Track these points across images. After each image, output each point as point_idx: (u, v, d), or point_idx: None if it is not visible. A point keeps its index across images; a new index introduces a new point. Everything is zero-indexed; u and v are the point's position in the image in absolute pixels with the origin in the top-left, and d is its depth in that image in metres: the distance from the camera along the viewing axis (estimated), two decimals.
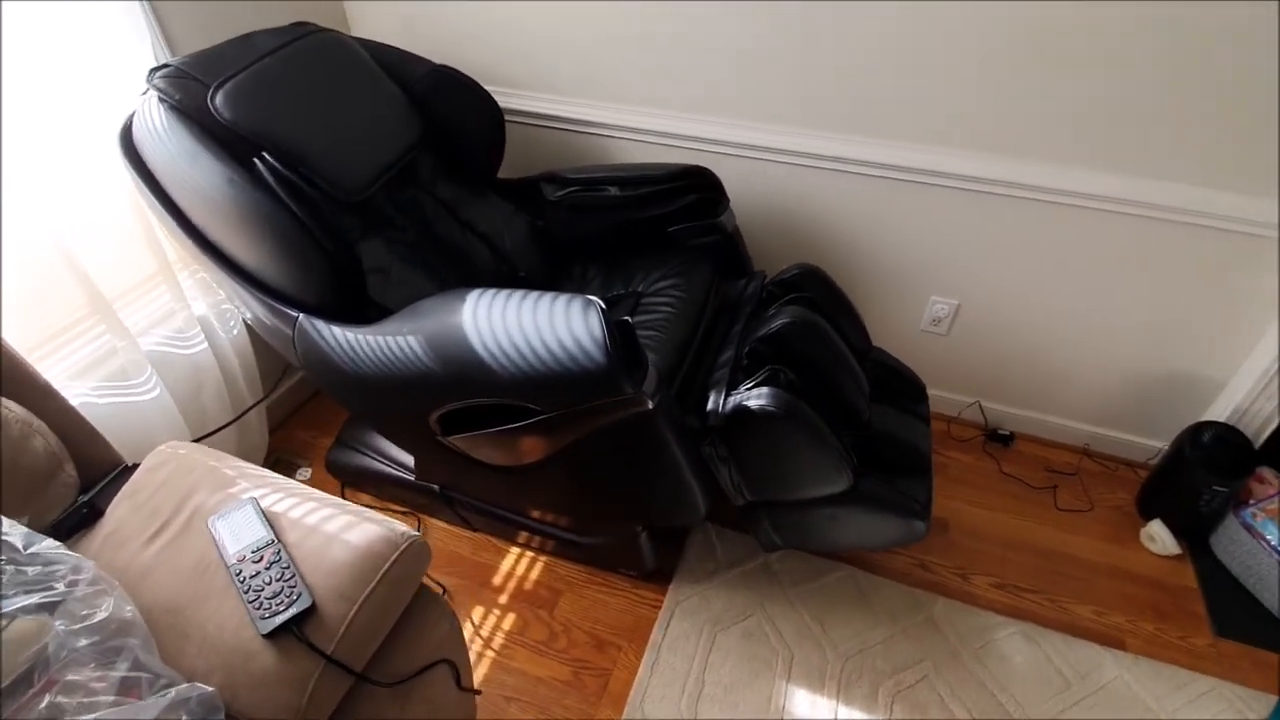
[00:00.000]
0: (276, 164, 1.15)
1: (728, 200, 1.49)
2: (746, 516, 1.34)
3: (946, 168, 1.45)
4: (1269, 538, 1.42)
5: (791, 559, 1.53)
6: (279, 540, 0.90)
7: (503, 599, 1.48)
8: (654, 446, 1.12)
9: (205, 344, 1.48)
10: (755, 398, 1.12)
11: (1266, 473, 1.53)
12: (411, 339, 1.11)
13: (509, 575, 1.52)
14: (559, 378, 1.01)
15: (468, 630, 1.42)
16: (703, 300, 1.42)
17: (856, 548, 1.50)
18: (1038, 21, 1.24)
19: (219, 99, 1.14)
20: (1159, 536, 1.56)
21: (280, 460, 1.76)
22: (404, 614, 0.95)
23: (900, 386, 1.45)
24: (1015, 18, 1.25)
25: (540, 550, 1.56)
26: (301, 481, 1.71)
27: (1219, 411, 1.58)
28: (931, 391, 1.84)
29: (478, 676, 1.35)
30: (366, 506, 1.66)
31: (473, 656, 1.38)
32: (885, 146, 1.47)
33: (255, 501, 0.94)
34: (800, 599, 1.47)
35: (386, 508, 1.66)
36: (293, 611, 0.82)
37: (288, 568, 0.86)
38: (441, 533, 1.61)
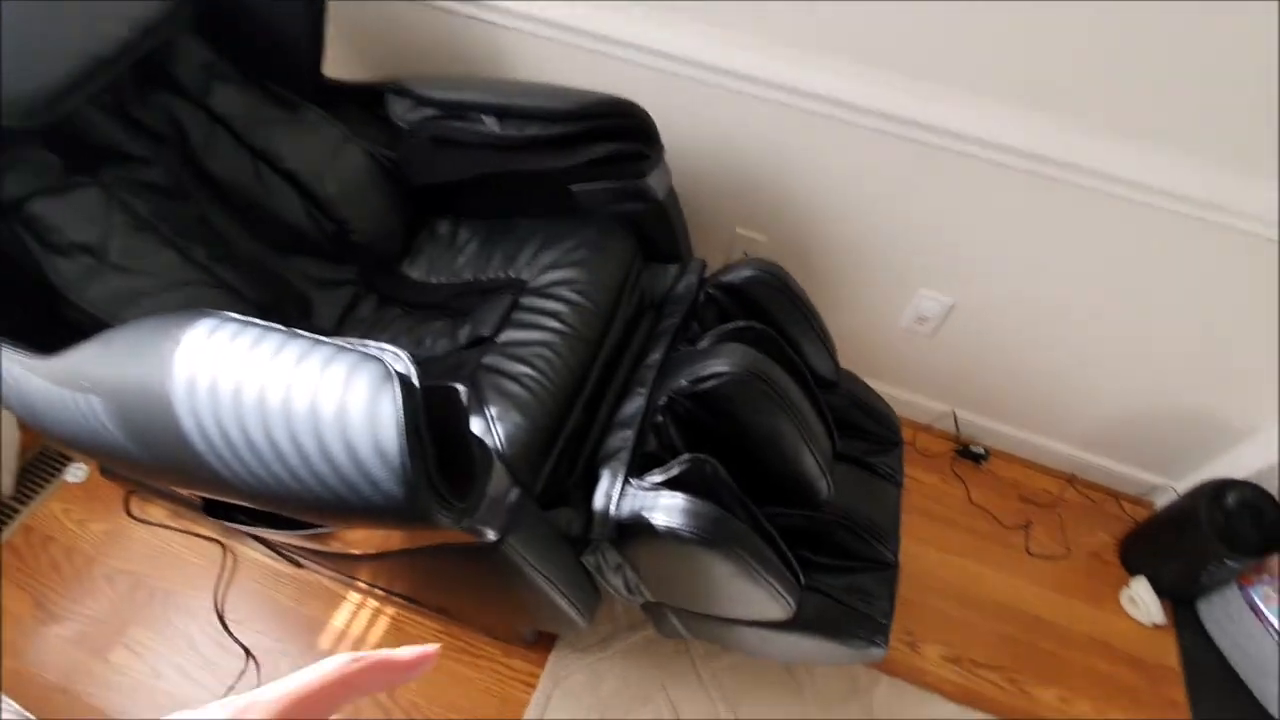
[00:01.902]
0: None
1: (662, 151, 1.01)
2: (649, 608, 0.99)
3: (964, 127, 1.00)
4: (1277, 624, 1.18)
5: None
6: None
7: None
8: (503, 573, 0.73)
9: None
10: (665, 511, 0.73)
11: None
12: (94, 401, 0.65)
13: (341, 635, 1.17)
14: (329, 503, 0.60)
15: None
16: (612, 304, 0.98)
17: (794, 663, 1.19)
18: None
19: None
20: (1142, 601, 1.31)
21: (46, 455, 1.31)
22: None
23: (870, 431, 1.08)
24: None
25: (386, 601, 1.20)
26: (73, 483, 1.28)
27: (1245, 462, 1.29)
28: (902, 395, 1.51)
29: None
30: (159, 525, 1.28)
31: None
32: (894, 89, 1.00)
33: None
34: (714, 678, 1.17)
35: (185, 529, 1.25)
36: None
37: None
38: (257, 568, 1.22)
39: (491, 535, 0.66)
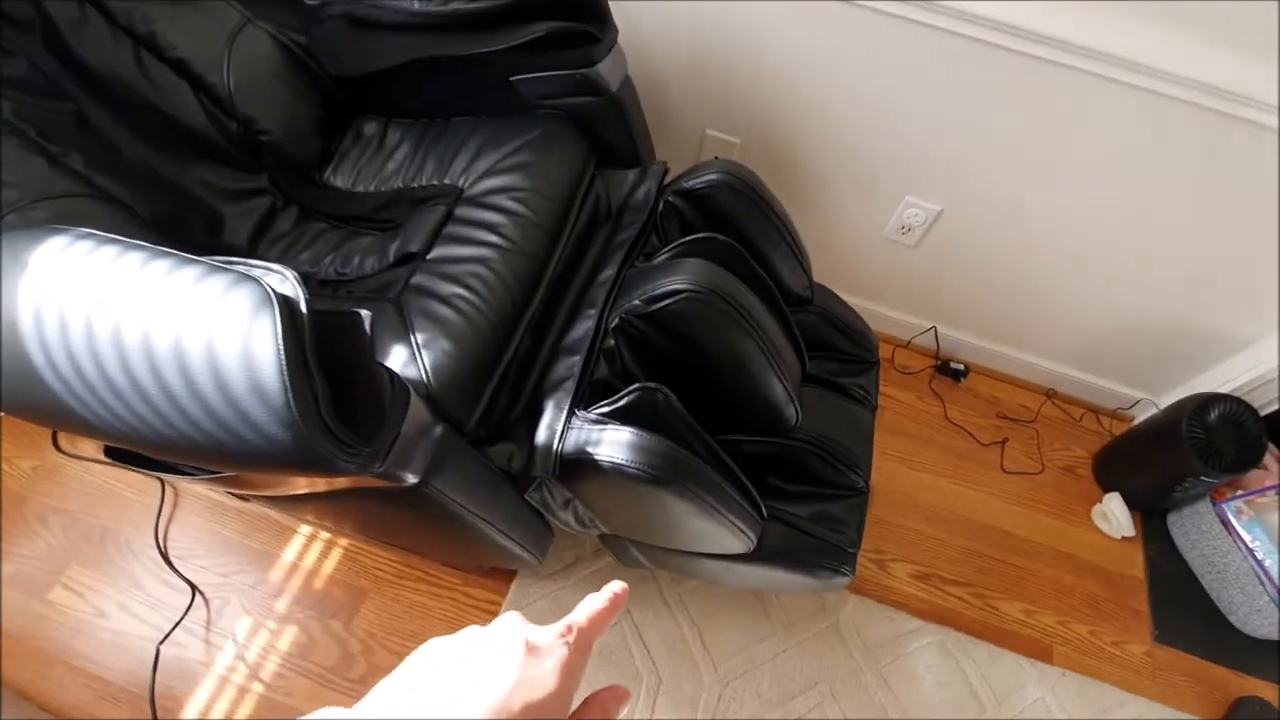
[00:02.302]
0: None
1: (614, 33, 0.87)
2: (607, 539, 0.95)
3: (965, 4, 0.87)
4: (1247, 538, 1.17)
5: None
6: None
7: (282, 604, 1.09)
8: (437, 515, 0.67)
9: None
10: (609, 445, 0.66)
11: (1268, 456, 1.25)
12: None
13: (293, 569, 1.12)
14: (208, 449, 0.51)
15: (228, 653, 1.05)
16: (561, 214, 0.87)
17: (760, 590, 1.15)
18: None
19: None
20: (1113, 515, 1.30)
21: None
22: None
23: (844, 350, 1.01)
24: None
25: (338, 530, 1.15)
26: None
27: (1230, 375, 1.24)
28: (882, 311, 1.44)
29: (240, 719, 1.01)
30: (92, 460, 1.20)
31: (233, 692, 1.03)
32: None
33: None
34: (679, 601, 1.15)
35: (119, 464, 1.17)
36: None
37: None
38: (199, 503, 1.16)
39: (411, 478, 0.59)
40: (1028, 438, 1.42)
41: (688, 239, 0.80)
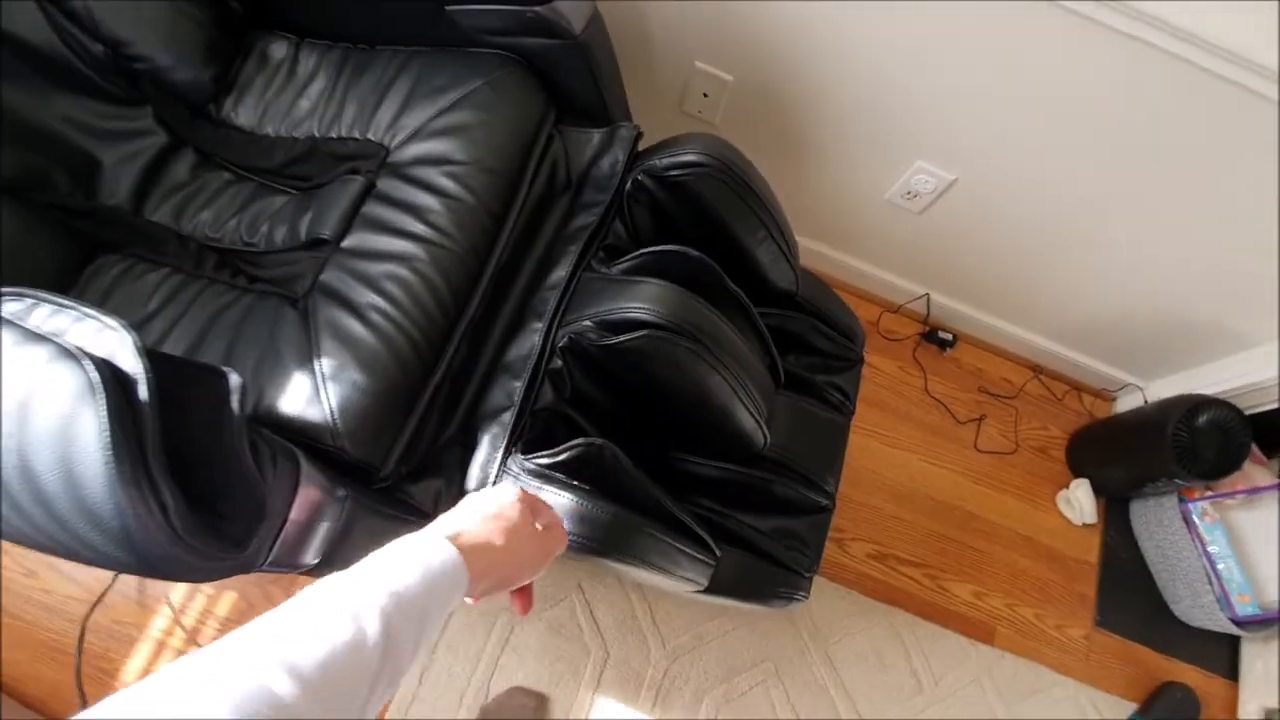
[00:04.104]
0: None
1: None
2: None
3: None
4: (1211, 547, 1.16)
5: None
6: None
7: None
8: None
9: None
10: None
11: (1249, 464, 1.21)
12: None
13: None
14: (79, 558, 0.42)
15: (163, 618, 1.02)
16: (507, 188, 0.73)
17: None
18: None
19: None
20: (1079, 503, 1.28)
21: None
22: None
23: (826, 343, 0.91)
24: None
25: None
26: None
27: (1224, 373, 1.18)
28: (875, 273, 1.33)
29: None
30: None
31: (170, 655, 1.01)
32: None
33: None
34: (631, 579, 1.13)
35: None
36: None
37: None
38: None
39: (309, 560, 0.51)
40: (1007, 415, 1.37)
41: (653, 250, 0.67)
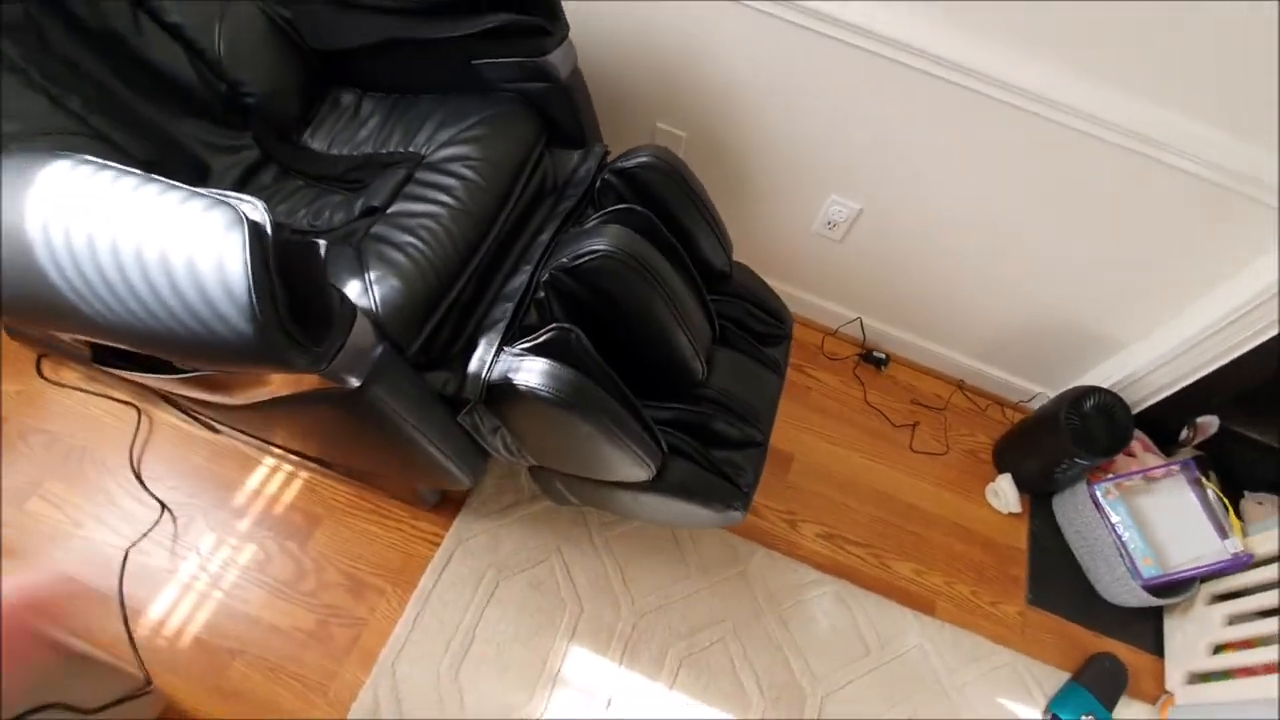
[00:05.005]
0: None
1: (565, 28, 1.00)
2: (536, 473, 1.07)
3: (886, 30, 1.00)
4: (1114, 519, 1.32)
5: None
6: None
7: (243, 525, 1.21)
8: (374, 423, 0.79)
9: None
10: (526, 372, 0.79)
11: (1137, 443, 1.40)
12: None
13: (256, 494, 1.23)
14: (186, 341, 0.63)
15: (191, 563, 1.16)
16: (509, 183, 1.00)
17: (665, 524, 1.29)
18: None
19: None
20: (1003, 493, 1.45)
21: None
22: None
23: (760, 322, 1.14)
24: None
25: (301, 465, 1.26)
26: None
27: (1109, 372, 1.40)
28: (812, 300, 1.58)
29: (198, 622, 1.12)
30: (73, 388, 1.30)
31: (195, 598, 1.14)
32: None
33: None
34: (606, 545, 1.28)
35: (100, 393, 1.28)
36: None
37: None
38: (173, 431, 1.27)
39: (353, 382, 0.71)
40: (938, 422, 1.57)
41: (612, 209, 0.93)
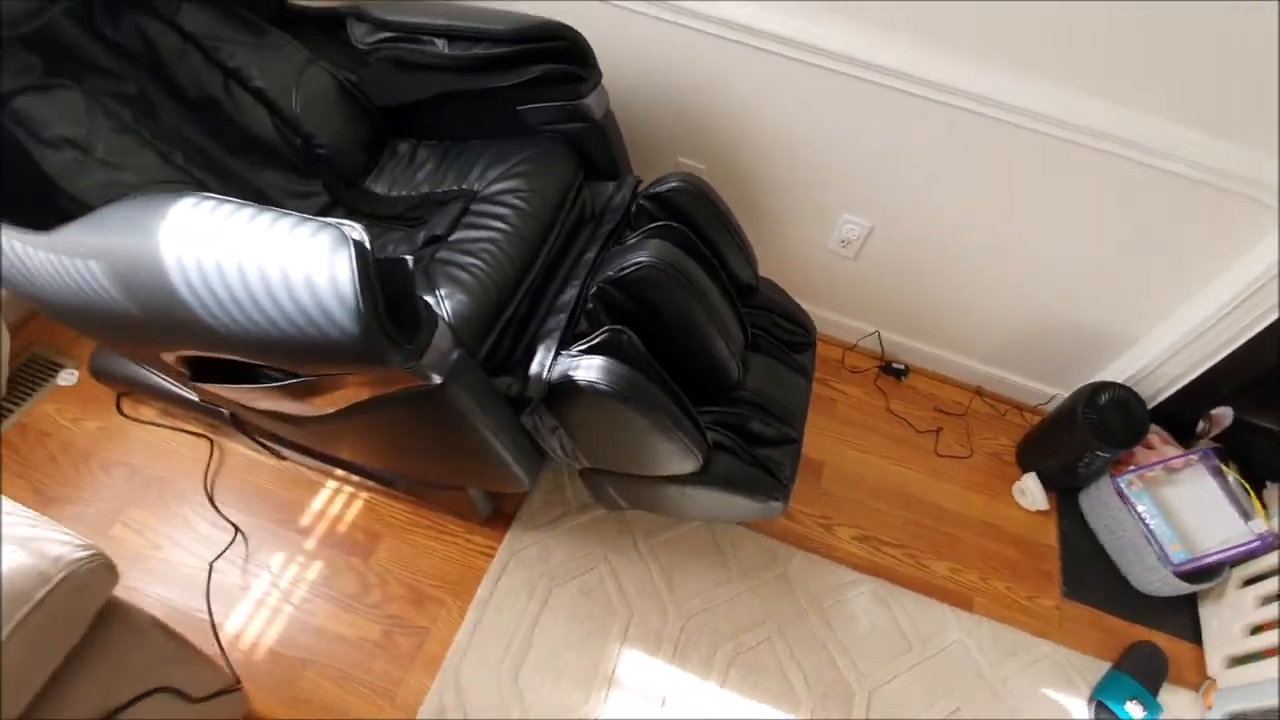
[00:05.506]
0: None
1: (598, 75, 1.12)
2: (587, 477, 1.15)
3: (891, 62, 1.12)
4: (1140, 508, 1.37)
5: None
6: None
7: (310, 543, 1.28)
8: (450, 421, 0.87)
9: None
10: (585, 369, 0.87)
11: (1155, 437, 1.46)
12: (93, 265, 0.77)
13: (320, 515, 1.31)
14: (299, 344, 0.73)
15: (263, 580, 1.23)
16: (554, 211, 1.11)
17: (711, 519, 1.36)
18: None
19: None
20: (1030, 491, 1.50)
21: (36, 360, 1.42)
22: (82, 648, 0.72)
23: (786, 331, 1.23)
24: None
25: (361, 487, 1.34)
26: (65, 387, 1.40)
27: (1122, 368, 1.46)
28: (831, 317, 1.66)
29: (271, 635, 1.18)
30: (150, 423, 1.40)
31: (267, 612, 1.20)
32: (821, 25, 1.12)
33: None
34: (651, 551, 1.34)
35: (174, 427, 1.38)
36: None
37: None
38: (242, 460, 1.36)
39: (437, 379, 0.80)
40: (960, 428, 1.63)
41: (652, 225, 1.03)
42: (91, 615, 0.72)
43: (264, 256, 0.71)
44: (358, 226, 0.74)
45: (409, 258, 0.77)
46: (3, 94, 0.88)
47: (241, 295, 0.72)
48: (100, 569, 0.71)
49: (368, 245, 0.72)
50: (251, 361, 0.82)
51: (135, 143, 0.97)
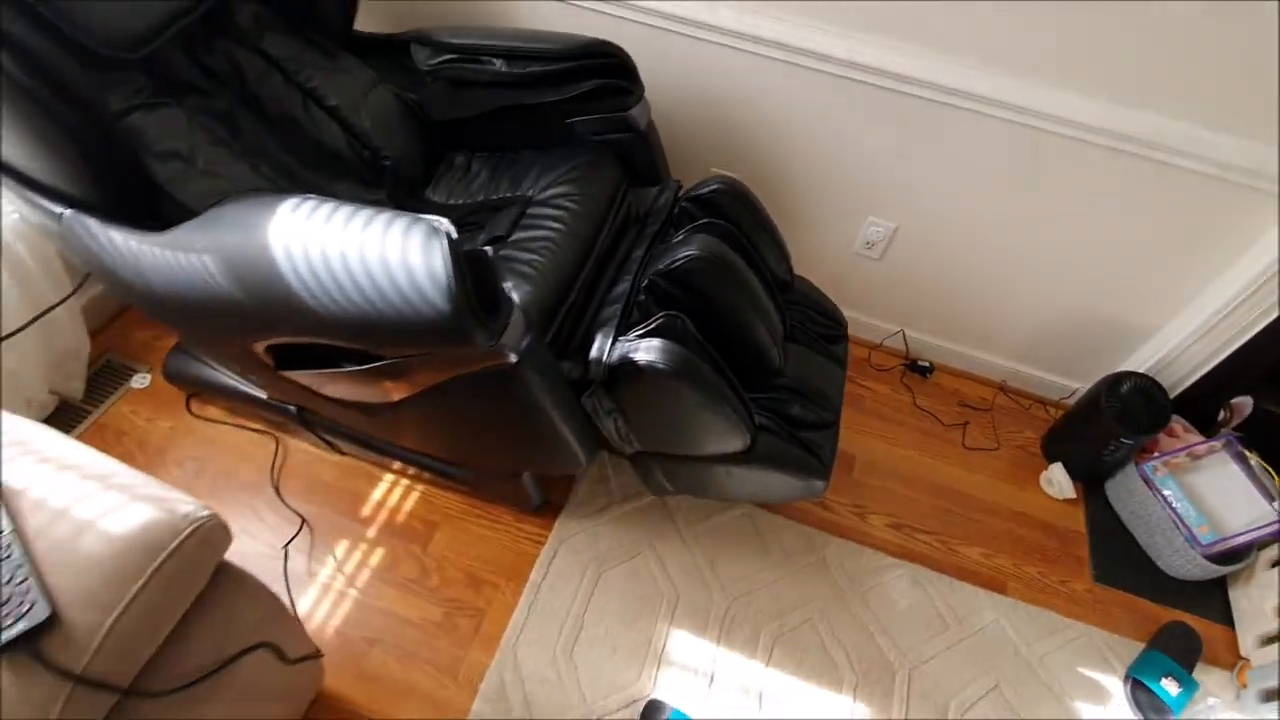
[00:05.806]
0: None
1: (642, 89, 1.22)
2: (637, 462, 1.21)
3: (910, 70, 1.21)
4: (1165, 492, 1.41)
5: (689, 496, 1.44)
6: (14, 529, 0.71)
7: (371, 532, 1.35)
8: (520, 400, 0.95)
9: None
10: (645, 350, 0.95)
11: (1178, 426, 1.50)
12: (207, 258, 0.86)
13: (380, 505, 1.38)
14: (394, 324, 0.81)
15: (329, 567, 1.30)
16: (603, 213, 1.20)
17: (754, 500, 1.42)
18: None
19: None
20: (1057, 480, 1.55)
21: (112, 365, 1.52)
22: (199, 602, 0.80)
23: (820, 324, 1.30)
24: None
25: (416, 479, 1.42)
26: (139, 389, 1.49)
27: (1142, 360, 1.52)
28: (857, 317, 1.73)
29: (338, 617, 1.25)
30: (218, 421, 1.48)
31: (334, 596, 1.27)
32: (842, 38, 1.21)
33: None
34: (694, 538, 1.40)
35: (240, 425, 1.46)
36: (23, 626, 0.66)
37: (20, 566, 0.68)
38: (304, 455, 1.44)
39: (513, 357, 0.87)
40: (986, 422, 1.68)
41: (697, 223, 1.11)
42: (212, 567, 0.79)
43: (364, 246, 0.80)
44: (445, 221, 0.82)
45: (489, 249, 0.85)
46: (119, 110, 0.98)
47: (345, 280, 0.80)
48: (219, 527, 0.78)
49: (454, 235, 0.81)
50: (343, 345, 0.90)
51: (229, 155, 1.07)
